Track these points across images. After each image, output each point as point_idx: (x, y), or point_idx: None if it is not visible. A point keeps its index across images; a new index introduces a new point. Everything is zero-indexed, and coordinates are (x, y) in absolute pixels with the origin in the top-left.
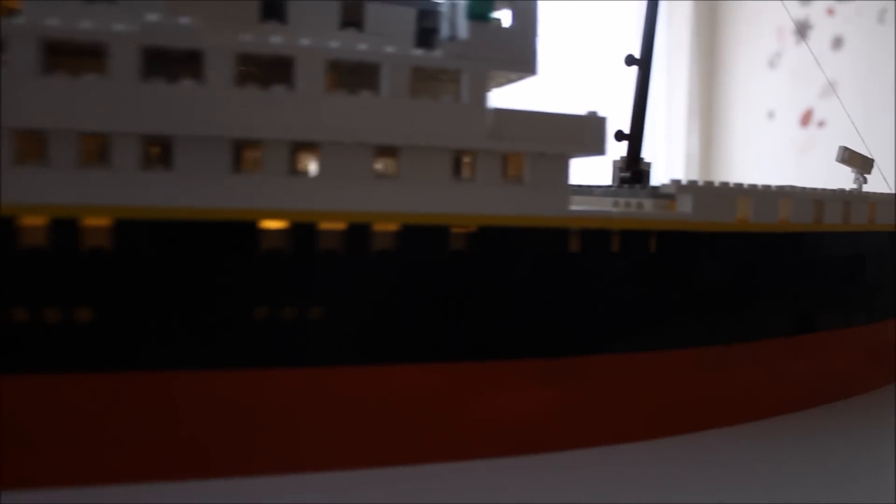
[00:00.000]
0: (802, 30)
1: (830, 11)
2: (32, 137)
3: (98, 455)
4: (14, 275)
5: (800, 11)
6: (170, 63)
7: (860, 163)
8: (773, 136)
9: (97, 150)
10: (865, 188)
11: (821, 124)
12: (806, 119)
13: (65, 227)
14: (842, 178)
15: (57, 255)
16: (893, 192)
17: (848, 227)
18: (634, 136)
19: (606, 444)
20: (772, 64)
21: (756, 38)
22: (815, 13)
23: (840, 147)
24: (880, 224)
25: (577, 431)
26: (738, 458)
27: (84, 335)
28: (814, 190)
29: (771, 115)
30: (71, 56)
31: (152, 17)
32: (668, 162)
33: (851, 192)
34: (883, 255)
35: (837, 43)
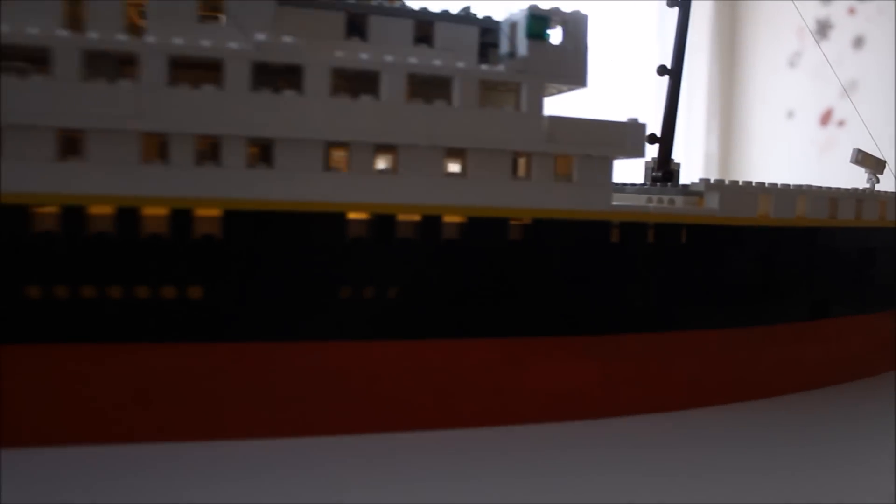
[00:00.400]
0: (823, 29)
1: (852, 11)
2: (154, 139)
3: (209, 413)
4: (137, 258)
5: (821, 11)
6: (271, 73)
7: (873, 164)
8: (793, 136)
9: (209, 150)
10: (878, 187)
11: (841, 124)
12: (826, 118)
13: (181, 217)
14: (860, 178)
15: (172, 242)
16: None
17: (860, 222)
18: (665, 140)
19: (639, 413)
20: (792, 63)
21: (776, 37)
22: (836, 12)
23: (854, 149)
24: (891, 220)
25: (613, 400)
26: (753, 428)
27: (195, 310)
28: (829, 189)
29: (791, 114)
30: (189, 69)
31: (261, 36)
32: (687, 161)
33: (864, 191)
34: (893, 248)
35: (859, 42)
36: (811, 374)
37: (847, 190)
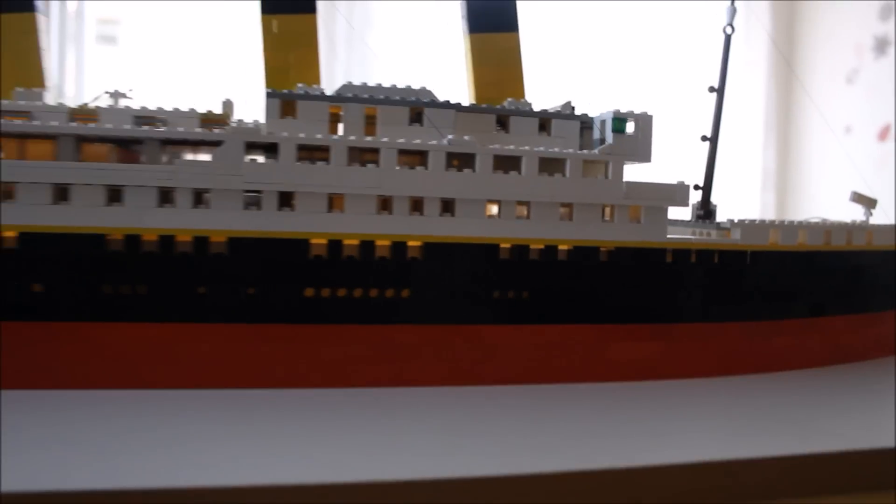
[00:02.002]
0: (882, 46)
1: None
2: (385, 200)
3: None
4: (368, 272)
5: (879, 28)
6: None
7: (867, 202)
8: (851, 151)
9: (416, 205)
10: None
11: None
12: (884, 134)
13: (399, 246)
14: None
15: (393, 262)
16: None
17: (849, 247)
18: (706, 189)
19: (686, 378)
20: (849, 80)
21: (834, 53)
22: (894, 29)
23: (852, 191)
24: (876, 245)
25: (669, 368)
26: (765, 390)
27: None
28: (824, 222)
29: (848, 130)
30: (405, 154)
31: (450, 135)
32: (744, 177)
33: (854, 223)
34: (877, 266)
35: None
36: (812, 356)
37: (839, 223)
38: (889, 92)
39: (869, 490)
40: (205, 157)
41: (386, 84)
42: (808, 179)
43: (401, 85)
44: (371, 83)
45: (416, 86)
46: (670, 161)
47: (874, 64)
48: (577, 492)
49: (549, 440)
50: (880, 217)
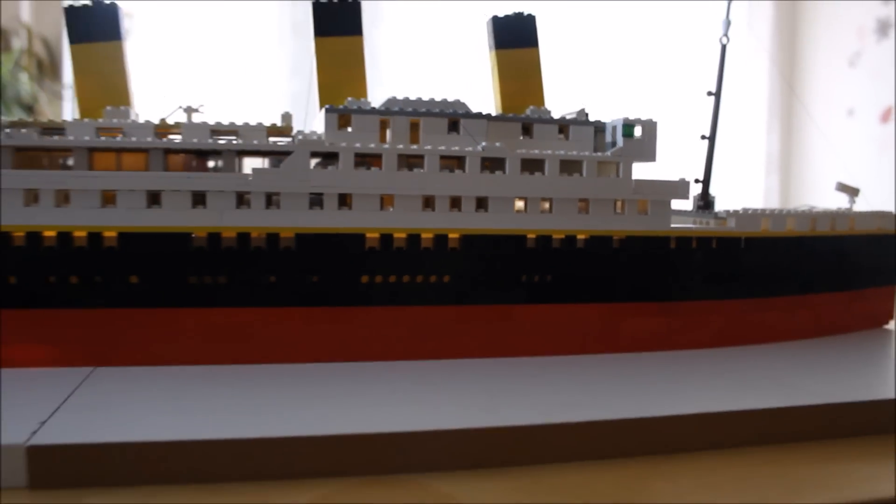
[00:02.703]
0: (884, 28)
1: None
2: (428, 199)
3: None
4: (410, 260)
5: (881, 11)
6: (485, 160)
7: (850, 191)
8: (854, 134)
9: (455, 203)
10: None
11: None
12: (886, 116)
13: (441, 238)
14: None
15: (435, 251)
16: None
17: (833, 232)
18: (705, 183)
19: (688, 349)
20: (852, 63)
21: (836, 37)
22: None
23: (836, 182)
24: (858, 230)
25: (674, 340)
26: (755, 357)
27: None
28: (811, 211)
29: (851, 112)
30: (445, 159)
31: (483, 143)
32: (748, 161)
33: (838, 210)
34: (859, 248)
35: None
36: (800, 329)
37: (825, 210)
38: (891, 74)
39: (840, 437)
40: (253, 162)
41: (425, 97)
42: (812, 163)
43: (438, 97)
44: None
45: (445, 97)
46: (674, 158)
47: (876, 47)
48: (599, 438)
49: (573, 398)
50: (863, 204)
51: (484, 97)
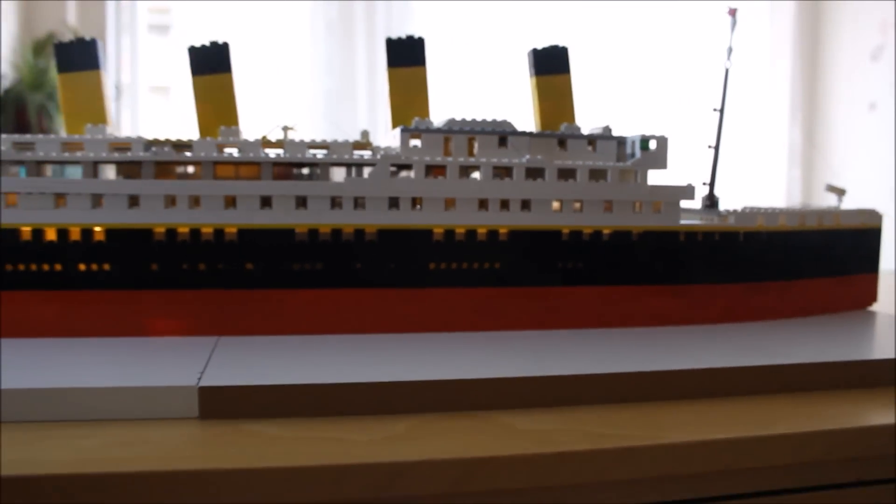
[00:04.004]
0: None
1: None
2: (482, 201)
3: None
4: (465, 250)
5: None
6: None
7: (838, 191)
8: (875, 127)
9: (504, 205)
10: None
11: None
12: None
13: (493, 233)
14: None
15: (488, 241)
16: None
17: (819, 227)
18: (711, 185)
19: (697, 324)
20: (874, 57)
21: (859, 31)
22: None
23: (826, 184)
24: (843, 225)
25: (684, 317)
26: (752, 331)
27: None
28: (803, 208)
29: (873, 106)
30: (497, 169)
31: (527, 155)
32: (771, 154)
33: (826, 208)
34: (843, 240)
35: None
36: (792, 309)
37: (813, 209)
38: None
39: (821, 390)
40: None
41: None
42: (834, 155)
43: (489, 118)
44: None
45: (495, 118)
46: (687, 162)
47: None
48: (621, 385)
49: (600, 356)
50: (849, 202)
51: (524, 117)
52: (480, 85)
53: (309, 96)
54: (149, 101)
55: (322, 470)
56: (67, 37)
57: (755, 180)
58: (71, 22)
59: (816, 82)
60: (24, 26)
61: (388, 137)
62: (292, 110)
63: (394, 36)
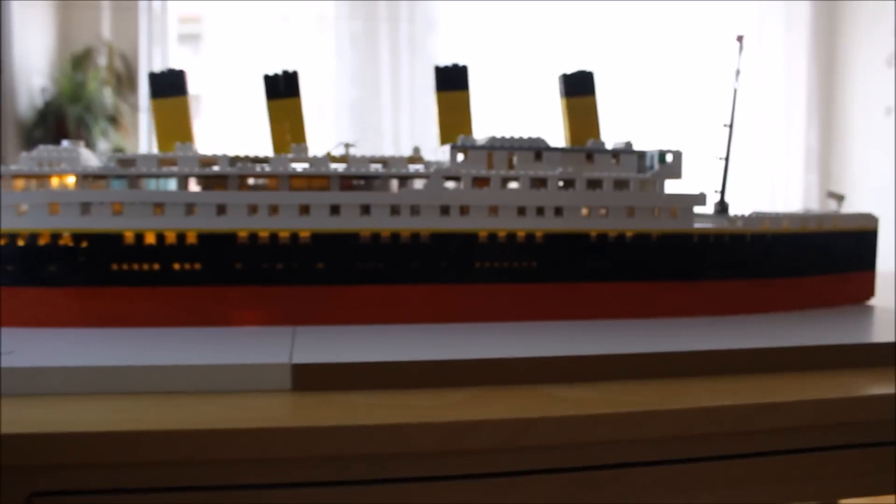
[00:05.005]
0: None
1: None
2: (521, 209)
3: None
4: (502, 252)
5: None
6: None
7: (837, 197)
8: (891, 132)
9: (539, 212)
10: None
11: None
12: None
13: (531, 236)
14: None
15: (527, 243)
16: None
17: (819, 229)
18: (722, 192)
19: (705, 315)
20: (889, 62)
21: (874, 36)
22: None
23: (827, 191)
24: (842, 227)
25: (697, 310)
26: (758, 321)
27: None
28: (802, 213)
29: (889, 111)
30: (534, 181)
31: (559, 168)
32: (788, 155)
33: (826, 213)
34: (842, 242)
35: None
36: (794, 303)
37: (813, 214)
38: None
39: (818, 370)
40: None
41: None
42: (851, 160)
43: (525, 135)
44: None
45: (531, 135)
46: (699, 174)
47: None
48: (644, 364)
49: (625, 340)
50: (864, 207)
51: (555, 133)
52: (506, 102)
53: (335, 106)
54: None
55: (396, 427)
56: (103, 51)
57: (772, 185)
58: (105, 36)
59: (833, 88)
60: (62, 41)
61: (437, 153)
62: (320, 118)
63: (441, 64)
